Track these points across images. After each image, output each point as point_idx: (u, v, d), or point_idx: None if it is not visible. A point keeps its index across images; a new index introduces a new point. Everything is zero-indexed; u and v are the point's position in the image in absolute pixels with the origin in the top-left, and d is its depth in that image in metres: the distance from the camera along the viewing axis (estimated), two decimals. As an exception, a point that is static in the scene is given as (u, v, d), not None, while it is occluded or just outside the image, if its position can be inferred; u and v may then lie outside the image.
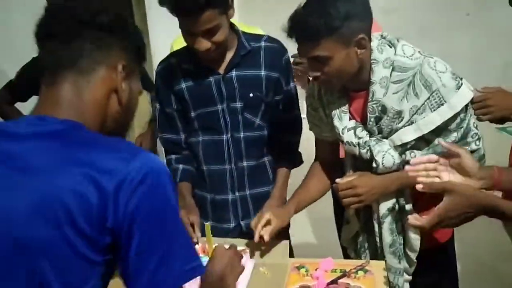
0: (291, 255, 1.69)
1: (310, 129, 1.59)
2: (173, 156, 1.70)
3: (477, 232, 2.13)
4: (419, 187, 1.19)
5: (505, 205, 1.13)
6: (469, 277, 2.14)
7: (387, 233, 1.43)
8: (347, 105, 1.42)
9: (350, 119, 1.42)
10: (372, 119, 1.36)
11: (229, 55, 1.57)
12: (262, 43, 1.61)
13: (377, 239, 1.46)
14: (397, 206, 1.42)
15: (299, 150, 1.77)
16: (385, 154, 1.36)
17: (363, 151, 1.39)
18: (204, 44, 1.44)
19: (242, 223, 1.67)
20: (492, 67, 3.88)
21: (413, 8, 4.00)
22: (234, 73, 1.58)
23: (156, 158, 0.82)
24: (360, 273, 1.34)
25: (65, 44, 0.85)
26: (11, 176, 0.78)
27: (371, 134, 1.39)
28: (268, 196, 1.65)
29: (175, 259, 0.81)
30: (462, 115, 1.32)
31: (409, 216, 1.21)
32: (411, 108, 1.31)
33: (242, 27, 1.67)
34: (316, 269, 1.36)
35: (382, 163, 1.36)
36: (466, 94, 1.30)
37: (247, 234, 1.59)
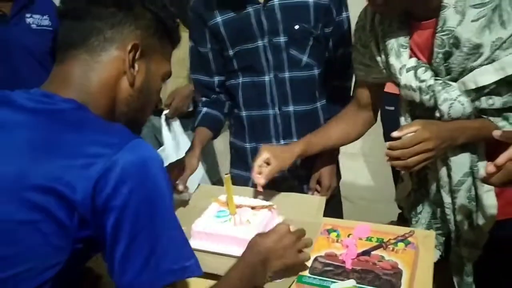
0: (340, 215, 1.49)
1: (354, 72, 1.33)
2: (203, 99, 1.55)
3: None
4: (496, 134, 0.91)
5: None
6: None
7: (465, 202, 1.15)
8: (408, 38, 1.12)
9: (410, 56, 1.13)
10: (440, 55, 1.06)
11: None
12: None
13: (448, 211, 1.18)
14: (475, 169, 1.13)
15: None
16: (453, 102, 1.07)
17: (425, 97, 1.10)
18: None
19: (288, 174, 1.49)
20: None
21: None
22: (276, 0, 1.35)
23: (147, 147, 0.75)
24: (400, 245, 1.08)
25: (77, 22, 0.82)
26: None
27: (436, 75, 1.10)
28: None
29: (163, 259, 0.75)
30: None
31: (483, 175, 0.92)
32: (493, 42, 1.00)
33: None
34: (349, 235, 1.14)
35: (449, 113, 1.08)
36: None
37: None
